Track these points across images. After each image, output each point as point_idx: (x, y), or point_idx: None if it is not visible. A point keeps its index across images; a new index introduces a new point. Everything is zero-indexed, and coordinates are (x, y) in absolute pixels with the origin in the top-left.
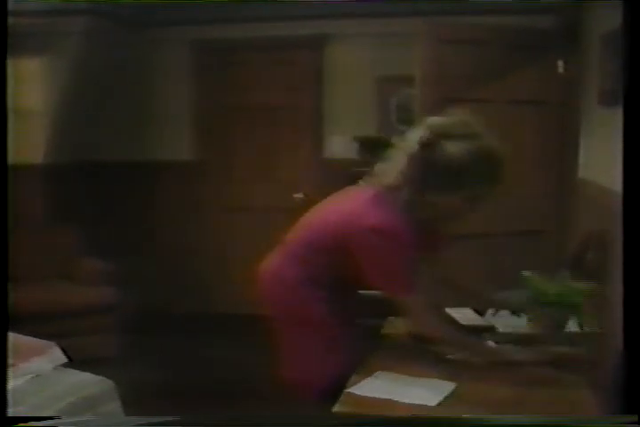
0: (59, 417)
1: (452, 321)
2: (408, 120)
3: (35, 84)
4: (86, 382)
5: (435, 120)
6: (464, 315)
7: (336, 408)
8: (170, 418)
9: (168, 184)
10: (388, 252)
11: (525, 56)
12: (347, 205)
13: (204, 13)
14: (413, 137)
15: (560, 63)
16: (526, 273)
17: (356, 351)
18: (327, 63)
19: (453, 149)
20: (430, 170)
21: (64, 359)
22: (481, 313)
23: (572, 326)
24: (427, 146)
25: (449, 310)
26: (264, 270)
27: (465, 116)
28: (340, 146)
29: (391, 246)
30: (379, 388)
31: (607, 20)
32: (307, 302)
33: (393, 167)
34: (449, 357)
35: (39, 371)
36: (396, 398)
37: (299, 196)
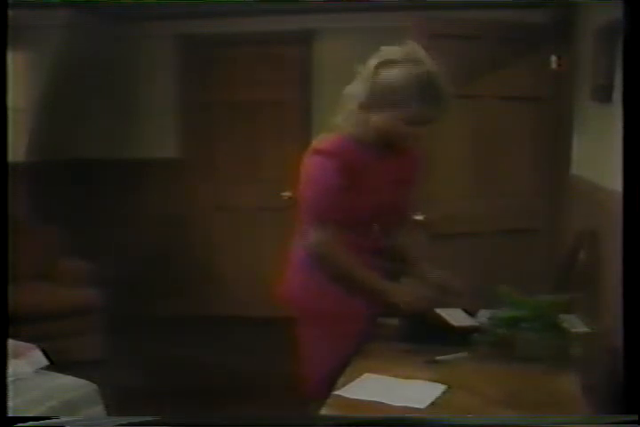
0: (57, 417)
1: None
2: None
3: (15, 79)
4: (68, 385)
5: (387, 48)
6: (453, 315)
7: (323, 411)
8: (150, 418)
9: (153, 183)
10: (316, 172)
11: (518, 51)
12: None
13: (190, 8)
14: (369, 64)
15: (553, 58)
16: (502, 288)
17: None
18: (315, 59)
19: (396, 71)
20: (375, 90)
21: (45, 362)
22: (471, 313)
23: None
24: (378, 68)
25: (438, 311)
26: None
27: (413, 45)
28: None
29: (321, 166)
30: (367, 390)
31: (601, 15)
32: (317, 280)
33: (348, 95)
34: (438, 358)
35: (19, 374)
36: (384, 400)
37: (286, 195)
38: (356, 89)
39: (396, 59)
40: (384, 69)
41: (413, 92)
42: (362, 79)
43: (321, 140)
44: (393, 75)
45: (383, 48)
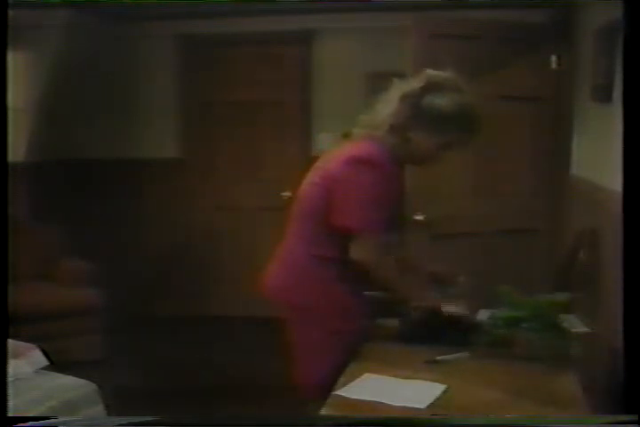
0: (55, 417)
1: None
2: None
3: (15, 79)
4: (68, 385)
5: (432, 72)
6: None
7: (323, 411)
8: (150, 418)
9: (153, 183)
10: (363, 182)
11: (518, 51)
12: (330, 161)
13: (190, 8)
14: (413, 82)
15: (553, 58)
16: (502, 288)
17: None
18: (315, 59)
19: (442, 98)
20: (419, 113)
21: (45, 362)
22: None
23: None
24: (423, 91)
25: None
26: (275, 258)
27: (453, 72)
28: (328, 143)
29: (368, 176)
30: (367, 390)
31: (601, 15)
32: (318, 282)
33: (383, 108)
34: (438, 358)
35: (19, 374)
36: (384, 400)
37: (286, 195)
38: (394, 104)
39: (440, 84)
40: (429, 93)
41: (457, 121)
42: (403, 97)
43: (355, 148)
44: (439, 101)
45: (427, 71)
